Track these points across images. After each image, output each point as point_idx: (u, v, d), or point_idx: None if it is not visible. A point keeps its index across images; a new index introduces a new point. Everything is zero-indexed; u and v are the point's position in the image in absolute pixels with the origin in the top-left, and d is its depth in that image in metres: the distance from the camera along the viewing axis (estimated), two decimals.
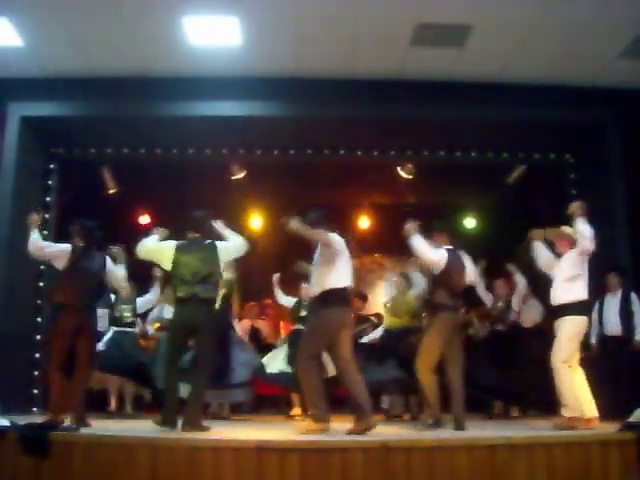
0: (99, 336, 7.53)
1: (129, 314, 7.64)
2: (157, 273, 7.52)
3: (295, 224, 5.47)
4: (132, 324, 7.73)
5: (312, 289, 5.78)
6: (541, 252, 6.21)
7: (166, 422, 5.55)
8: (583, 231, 5.74)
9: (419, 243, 5.95)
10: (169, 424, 5.54)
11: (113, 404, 7.63)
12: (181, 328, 5.79)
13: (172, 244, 5.89)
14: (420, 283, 7.08)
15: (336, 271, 5.56)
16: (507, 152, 8.64)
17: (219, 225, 6.09)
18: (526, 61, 7.43)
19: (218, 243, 5.91)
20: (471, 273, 6.17)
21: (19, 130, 7.74)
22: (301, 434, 5.26)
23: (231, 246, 5.98)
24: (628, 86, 7.78)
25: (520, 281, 7.56)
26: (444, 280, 5.97)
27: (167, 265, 5.85)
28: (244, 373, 7.46)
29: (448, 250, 6.04)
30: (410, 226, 5.98)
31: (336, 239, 5.62)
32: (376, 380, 6.99)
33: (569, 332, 5.76)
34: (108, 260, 6.18)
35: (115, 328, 7.62)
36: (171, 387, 5.80)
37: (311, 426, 5.37)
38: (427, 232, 6.14)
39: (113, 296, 7.65)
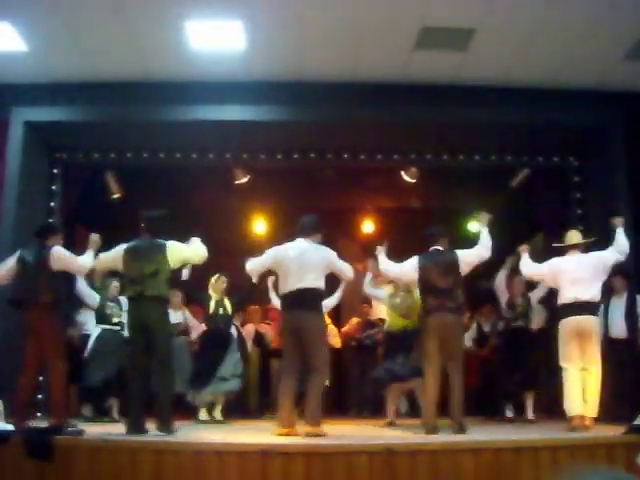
0: (86, 338, 7.52)
1: (118, 312, 7.48)
2: None
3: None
4: (120, 324, 7.45)
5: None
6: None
7: (133, 429, 5.38)
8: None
9: (383, 263, 6.41)
10: (137, 430, 5.36)
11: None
12: (136, 328, 5.65)
13: (121, 247, 5.80)
14: None
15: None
16: (511, 155, 8.64)
17: (194, 240, 6.03)
18: (529, 64, 7.42)
19: (170, 243, 5.76)
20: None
21: (23, 135, 7.75)
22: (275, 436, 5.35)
23: (187, 249, 5.88)
24: (632, 88, 7.77)
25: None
26: (423, 284, 6.06)
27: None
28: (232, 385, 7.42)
29: (425, 255, 6.10)
30: (378, 249, 6.50)
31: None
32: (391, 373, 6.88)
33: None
34: (56, 250, 5.84)
35: (102, 326, 7.47)
36: (135, 392, 5.60)
37: (277, 431, 5.46)
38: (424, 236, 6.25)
39: (98, 296, 7.56)
